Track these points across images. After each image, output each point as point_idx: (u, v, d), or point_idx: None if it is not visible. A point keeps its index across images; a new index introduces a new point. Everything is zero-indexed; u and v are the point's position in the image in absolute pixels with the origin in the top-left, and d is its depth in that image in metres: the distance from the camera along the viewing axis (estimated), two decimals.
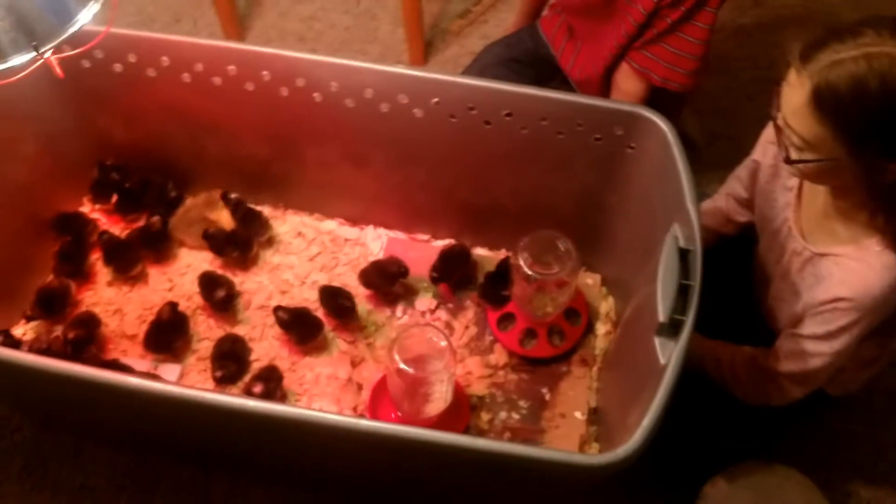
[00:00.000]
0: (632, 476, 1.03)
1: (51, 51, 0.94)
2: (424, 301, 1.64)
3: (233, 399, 1.10)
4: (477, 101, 1.41)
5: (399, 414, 1.42)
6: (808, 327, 1.22)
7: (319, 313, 1.58)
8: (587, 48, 1.73)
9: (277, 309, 1.54)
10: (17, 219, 1.59)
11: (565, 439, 1.47)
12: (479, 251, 1.71)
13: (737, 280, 1.48)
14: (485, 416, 1.50)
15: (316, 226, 1.74)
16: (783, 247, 1.30)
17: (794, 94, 1.06)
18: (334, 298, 1.57)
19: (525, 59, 1.84)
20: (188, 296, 1.63)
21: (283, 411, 1.09)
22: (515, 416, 1.50)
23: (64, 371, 1.09)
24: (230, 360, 1.51)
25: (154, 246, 1.67)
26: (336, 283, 1.64)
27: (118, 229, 1.70)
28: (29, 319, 1.56)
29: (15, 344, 1.48)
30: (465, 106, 1.41)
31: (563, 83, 1.81)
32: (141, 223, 1.70)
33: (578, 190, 1.52)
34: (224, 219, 1.69)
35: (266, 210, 1.74)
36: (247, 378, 1.51)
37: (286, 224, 1.74)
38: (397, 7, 2.35)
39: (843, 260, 1.17)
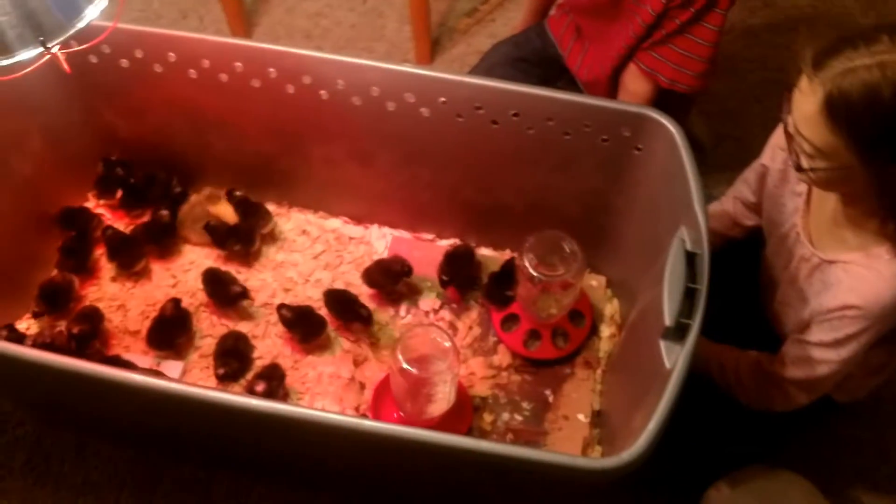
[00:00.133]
0: (634, 479, 1.03)
1: (58, 46, 0.93)
2: (428, 301, 1.63)
3: (235, 397, 1.09)
4: (484, 100, 1.40)
5: (402, 414, 1.42)
6: (816, 334, 1.21)
7: (323, 312, 1.57)
8: (595, 48, 1.72)
9: (281, 307, 1.54)
10: (22, 213, 1.59)
11: (568, 442, 1.46)
12: (484, 251, 1.70)
13: (743, 284, 1.47)
14: (487, 418, 1.49)
15: (320, 224, 1.74)
16: (791, 252, 1.29)
17: (806, 101, 1.05)
18: (351, 308, 1.55)
19: (532, 58, 1.83)
20: (191, 292, 1.62)
21: (285, 410, 1.09)
22: (518, 417, 1.50)
23: (67, 367, 1.09)
24: (233, 357, 1.51)
25: (159, 241, 1.66)
26: (340, 282, 1.64)
27: (122, 225, 1.69)
28: (36, 316, 1.55)
29: (19, 338, 1.48)
30: (472, 105, 1.41)
31: (571, 83, 1.80)
32: (145, 219, 1.70)
33: (584, 191, 1.51)
34: (228, 214, 1.69)
35: (270, 207, 1.73)
36: (249, 376, 1.51)
37: (290, 221, 1.73)
38: (404, 5, 2.34)
39: (853, 267, 1.16)
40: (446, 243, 1.70)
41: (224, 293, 1.57)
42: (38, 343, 1.45)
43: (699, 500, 1.40)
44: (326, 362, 1.55)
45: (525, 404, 1.51)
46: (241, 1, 2.35)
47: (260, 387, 1.44)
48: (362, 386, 1.52)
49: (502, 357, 1.56)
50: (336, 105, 1.46)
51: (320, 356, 1.56)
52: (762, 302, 1.44)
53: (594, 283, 1.65)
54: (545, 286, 1.43)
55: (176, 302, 1.54)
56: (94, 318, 1.53)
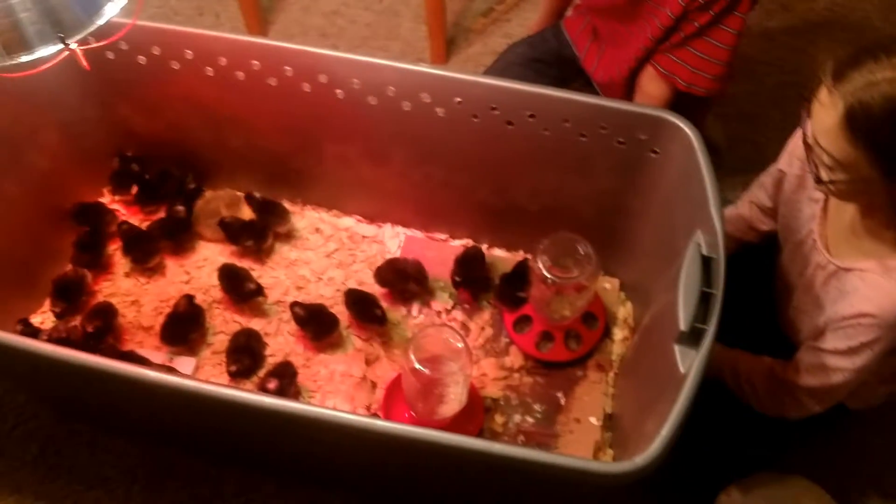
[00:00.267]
0: (645, 484, 1.02)
1: (76, 42, 0.94)
2: (440, 301, 1.63)
3: (247, 395, 1.10)
4: (500, 101, 1.40)
5: (413, 414, 1.42)
6: (830, 341, 1.20)
7: (335, 310, 1.57)
8: (611, 50, 1.71)
9: (294, 305, 1.54)
10: (38, 208, 1.60)
11: (579, 444, 1.45)
12: (497, 252, 1.70)
13: (757, 289, 1.47)
14: (499, 419, 1.49)
15: (334, 222, 1.74)
16: (807, 259, 1.28)
17: (827, 114, 1.05)
18: (369, 308, 1.55)
19: (548, 59, 1.83)
20: (205, 289, 1.63)
21: (296, 409, 1.09)
22: (530, 419, 1.49)
23: (81, 362, 1.09)
24: (245, 354, 1.51)
25: (174, 236, 1.67)
26: (352, 280, 1.64)
27: (137, 220, 1.70)
28: (59, 317, 1.55)
29: (34, 332, 1.49)
30: (488, 106, 1.41)
31: (587, 85, 1.79)
32: (160, 215, 1.71)
33: (599, 193, 1.50)
34: (244, 212, 1.70)
35: (284, 205, 1.74)
36: (261, 373, 1.51)
37: (304, 219, 1.74)
38: (420, 4, 2.34)
39: (869, 275, 1.15)
40: (459, 243, 1.70)
41: (238, 290, 1.57)
42: (54, 338, 1.46)
43: None
44: (338, 361, 1.55)
45: (537, 406, 1.51)
46: None
47: (272, 384, 1.44)
48: (374, 385, 1.52)
49: (514, 358, 1.56)
50: (351, 104, 1.46)
51: (332, 354, 1.56)
52: (776, 308, 1.43)
53: (607, 285, 1.65)
54: (559, 288, 1.43)
55: (189, 298, 1.55)
56: (107, 314, 1.54)
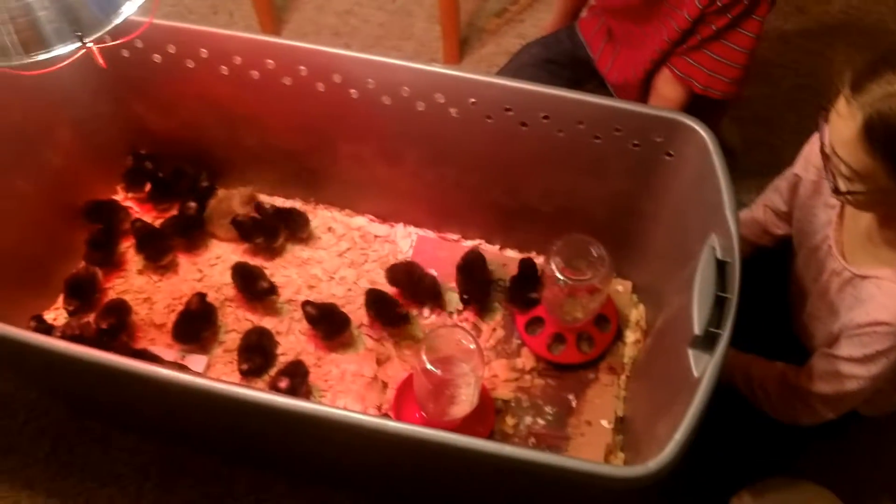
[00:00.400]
0: (656, 488, 1.02)
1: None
2: (452, 301, 1.63)
3: (260, 395, 1.10)
4: (514, 102, 1.39)
5: (424, 415, 1.42)
6: (845, 349, 1.19)
7: (347, 309, 1.57)
8: (626, 51, 1.70)
9: (306, 304, 1.54)
10: (52, 205, 1.61)
11: (590, 447, 1.45)
12: (509, 253, 1.70)
13: (771, 293, 1.46)
14: (510, 421, 1.48)
15: (346, 221, 1.74)
16: (822, 265, 1.27)
17: (845, 125, 1.04)
18: (391, 307, 1.55)
19: (562, 60, 1.82)
20: (217, 287, 1.63)
21: (308, 409, 1.08)
22: (541, 421, 1.49)
23: (94, 359, 1.10)
24: (257, 353, 1.51)
25: (187, 233, 1.67)
26: (364, 280, 1.64)
27: (150, 218, 1.71)
28: (72, 314, 1.56)
29: (47, 329, 1.50)
30: (502, 107, 1.40)
31: (601, 86, 1.79)
32: (173, 213, 1.71)
33: (613, 195, 1.50)
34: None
35: (297, 204, 1.74)
36: (273, 372, 1.51)
37: (316, 219, 1.74)
38: (433, 4, 2.34)
39: (885, 283, 1.14)
40: (471, 244, 1.70)
41: (252, 288, 1.58)
42: (67, 335, 1.46)
43: None
44: (349, 360, 1.55)
45: (548, 408, 1.50)
46: None
47: (283, 383, 1.44)
48: (385, 385, 1.52)
49: (526, 360, 1.55)
50: (366, 104, 1.46)
51: (343, 354, 1.56)
52: (790, 313, 1.42)
53: (620, 287, 1.64)
54: (572, 290, 1.42)
55: (201, 296, 1.55)
56: (121, 311, 1.55)
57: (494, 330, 1.60)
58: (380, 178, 1.63)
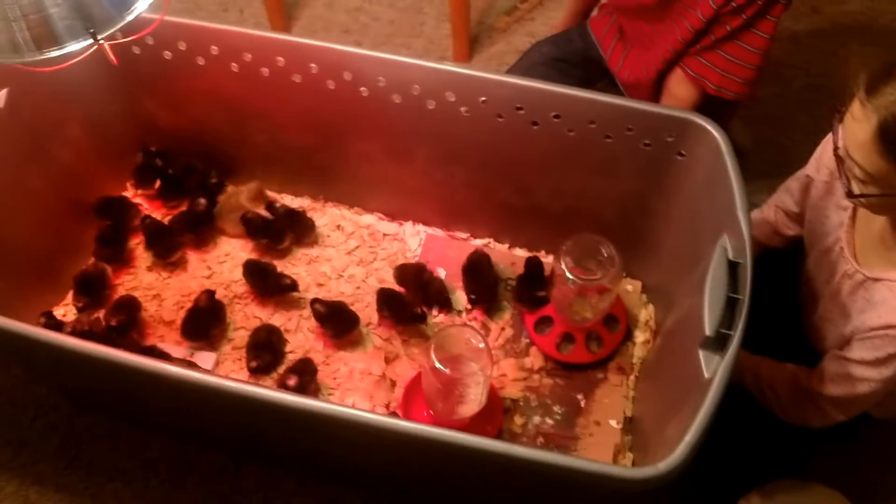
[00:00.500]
0: (664, 489, 1.01)
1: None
2: (460, 301, 1.62)
3: (268, 392, 1.09)
4: (525, 101, 1.39)
5: (432, 413, 1.41)
6: (857, 352, 1.18)
7: (356, 307, 1.57)
8: (637, 51, 1.70)
9: (315, 301, 1.54)
10: (61, 201, 1.61)
11: (599, 447, 1.45)
12: (518, 252, 1.69)
13: (782, 295, 1.45)
14: (518, 420, 1.48)
15: (355, 219, 1.74)
16: (834, 267, 1.27)
17: (859, 128, 1.03)
18: (407, 307, 1.55)
19: (573, 58, 1.81)
20: (226, 284, 1.63)
21: (316, 407, 1.08)
22: (549, 421, 1.49)
23: (103, 355, 1.10)
24: (265, 350, 1.51)
25: (196, 229, 1.67)
26: (373, 278, 1.64)
27: (159, 215, 1.71)
28: (81, 311, 1.56)
29: (57, 325, 1.50)
30: (513, 106, 1.40)
31: (611, 85, 1.78)
32: (182, 209, 1.71)
33: (623, 195, 1.49)
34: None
35: (306, 202, 1.74)
36: (281, 369, 1.51)
37: (325, 216, 1.74)
38: (443, 2, 2.34)
39: None
40: (480, 242, 1.70)
41: (272, 284, 1.58)
42: (77, 331, 1.47)
43: None
44: (358, 358, 1.55)
45: (556, 408, 1.50)
46: None
47: (292, 381, 1.44)
48: (393, 383, 1.52)
49: (534, 359, 1.55)
50: (376, 102, 1.46)
51: (352, 352, 1.56)
52: (801, 314, 1.41)
53: (629, 287, 1.63)
54: (581, 290, 1.42)
55: (210, 293, 1.55)
56: (131, 308, 1.55)
57: (503, 329, 1.59)
58: (389, 176, 1.63)
